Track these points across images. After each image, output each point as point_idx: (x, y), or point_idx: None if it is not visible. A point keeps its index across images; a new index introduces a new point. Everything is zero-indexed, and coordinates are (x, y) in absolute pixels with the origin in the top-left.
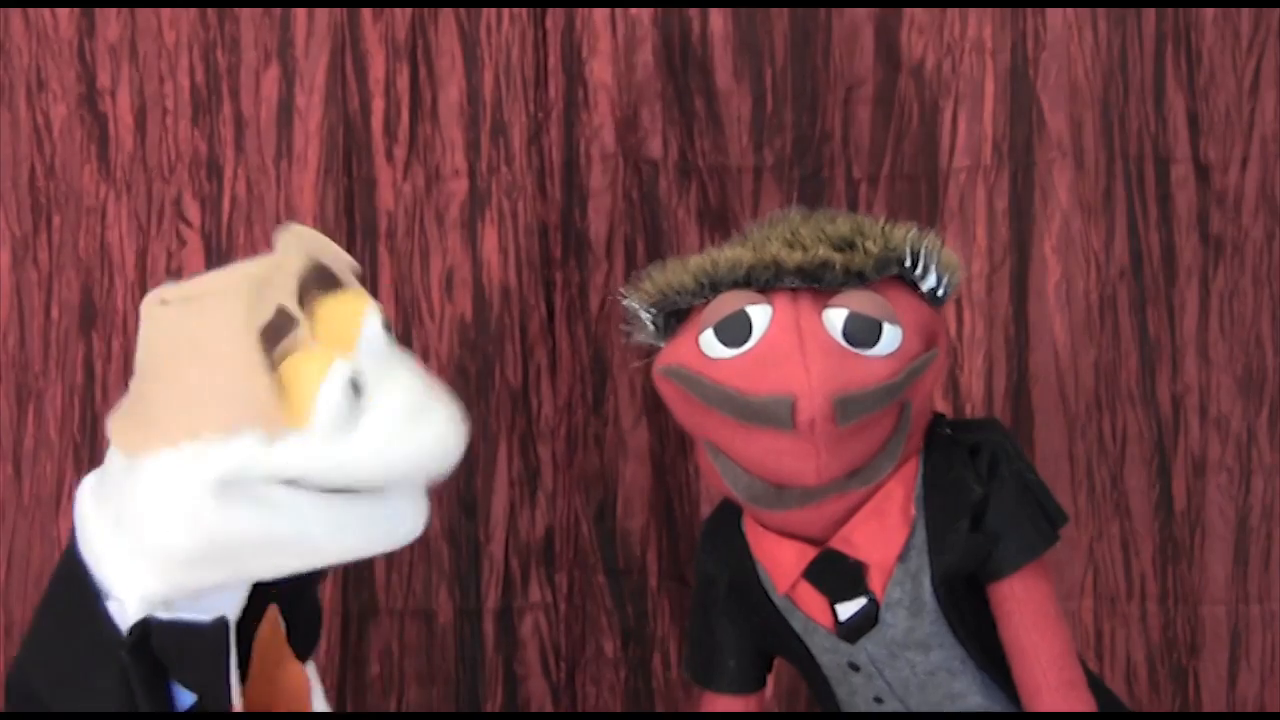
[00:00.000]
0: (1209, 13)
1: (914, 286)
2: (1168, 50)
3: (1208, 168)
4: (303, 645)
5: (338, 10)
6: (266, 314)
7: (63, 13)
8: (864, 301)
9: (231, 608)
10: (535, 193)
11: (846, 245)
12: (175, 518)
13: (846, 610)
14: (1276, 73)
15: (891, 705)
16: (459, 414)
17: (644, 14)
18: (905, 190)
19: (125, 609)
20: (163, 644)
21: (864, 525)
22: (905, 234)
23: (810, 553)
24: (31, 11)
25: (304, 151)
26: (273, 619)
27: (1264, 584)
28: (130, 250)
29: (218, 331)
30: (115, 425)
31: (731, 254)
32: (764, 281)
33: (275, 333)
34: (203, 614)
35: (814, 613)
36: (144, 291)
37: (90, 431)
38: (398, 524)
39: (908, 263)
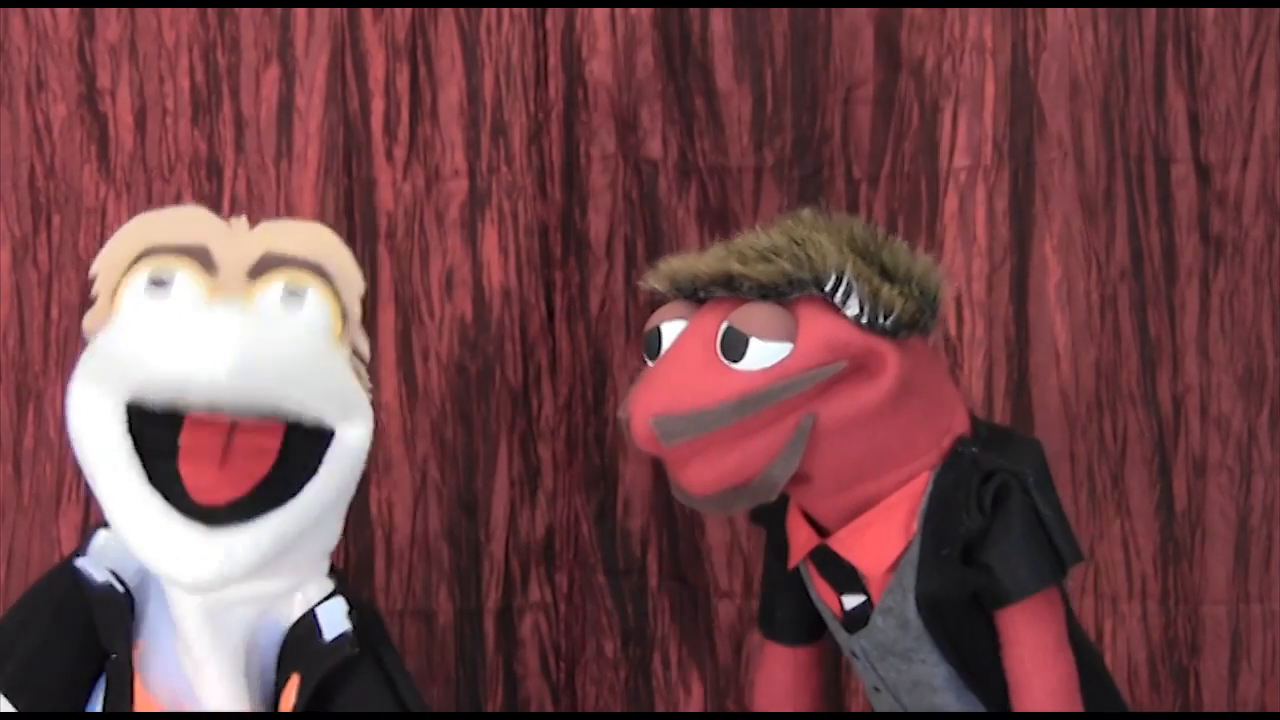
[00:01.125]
0: (1209, 13)
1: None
2: (1168, 50)
3: (1208, 167)
4: None
5: (338, 10)
6: (177, 238)
7: (63, 13)
8: (751, 315)
9: (176, 609)
10: (535, 193)
11: (775, 256)
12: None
13: (850, 602)
14: (1277, 72)
15: (886, 696)
16: (236, 361)
17: (644, 14)
18: (905, 190)
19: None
20: (83, 593)
21: (862, 531)
22: (837, 259)
23: (815, 540)
24: (31, 11)
25: (304, 151)
26: (291, 687)
27: (1265, 584)
28: None
29: (126, 228)
30: None
31: (681, 261)
32: (693, 291)
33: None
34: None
35: (823, 594)
36: None
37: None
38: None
39: (827, 287)
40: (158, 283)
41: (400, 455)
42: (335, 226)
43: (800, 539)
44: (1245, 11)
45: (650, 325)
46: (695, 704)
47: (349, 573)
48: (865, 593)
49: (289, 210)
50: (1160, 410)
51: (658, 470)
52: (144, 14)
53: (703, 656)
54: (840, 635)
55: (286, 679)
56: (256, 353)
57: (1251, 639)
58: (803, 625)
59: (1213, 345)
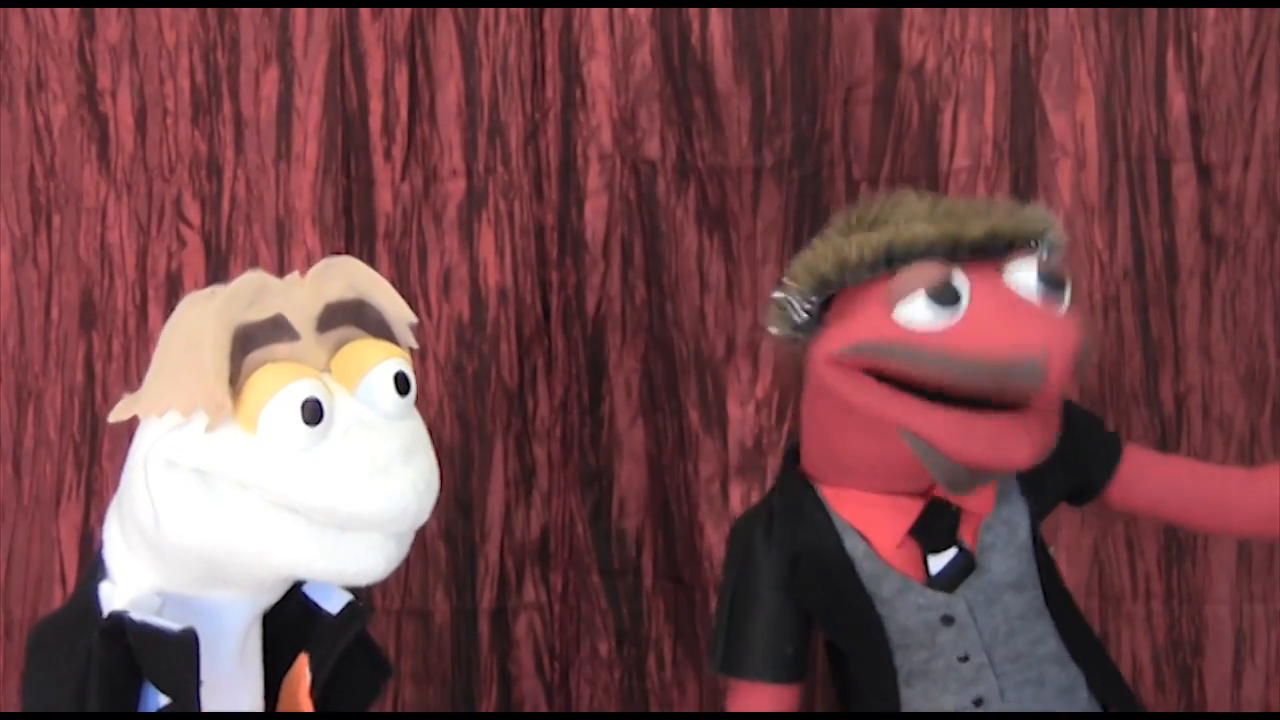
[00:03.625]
0: (1210, 13)
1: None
2: (1169, 50)
3: (1209, 168)
4: (348, 704)
5: (336, 11)
6: (255, 315)
7: (63, 13)
8: (1055, 263)
9: (231, 619)
10: (532, 193)
11: (998, 215)
12: (138, 490)
13: (937, 563)
14: (1277, 73)
15: (976, 660)
16: (429, 483)
17: (642, 14)
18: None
19: (115, 592)
20: (136, 644)
21: None
22: (1045, 217)
23: (911, 507)
24: (31, 11)
25: (303, 151)
26: (300, 668)
27: (1268, 584)
28: (130, 250)
29: (203, 319)
30: (121, 401)
31: (903, 231)
32: (943, 254)
33: (260, 335)
34: (177, 623)
35: (910, 569)
36: (144, 292)
37: (90, 431)
38: (350, 561)
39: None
40: (313, 419)
41: None
42: (334, 226)
43: (891, 519)
44: (1246, 12)
45: (938, 276)
46: (690, 704)
47: None
48: (958, 543)
49: (288, 210)
50: (1163, 410)
51: (654, 471)
52: (144, 14)
53: (698, 657)
54: (919, 617)
55: (288, 662)
56: (433, 469)
57: (1255, 639)
58: (805, 657)
59: (1215, 345)
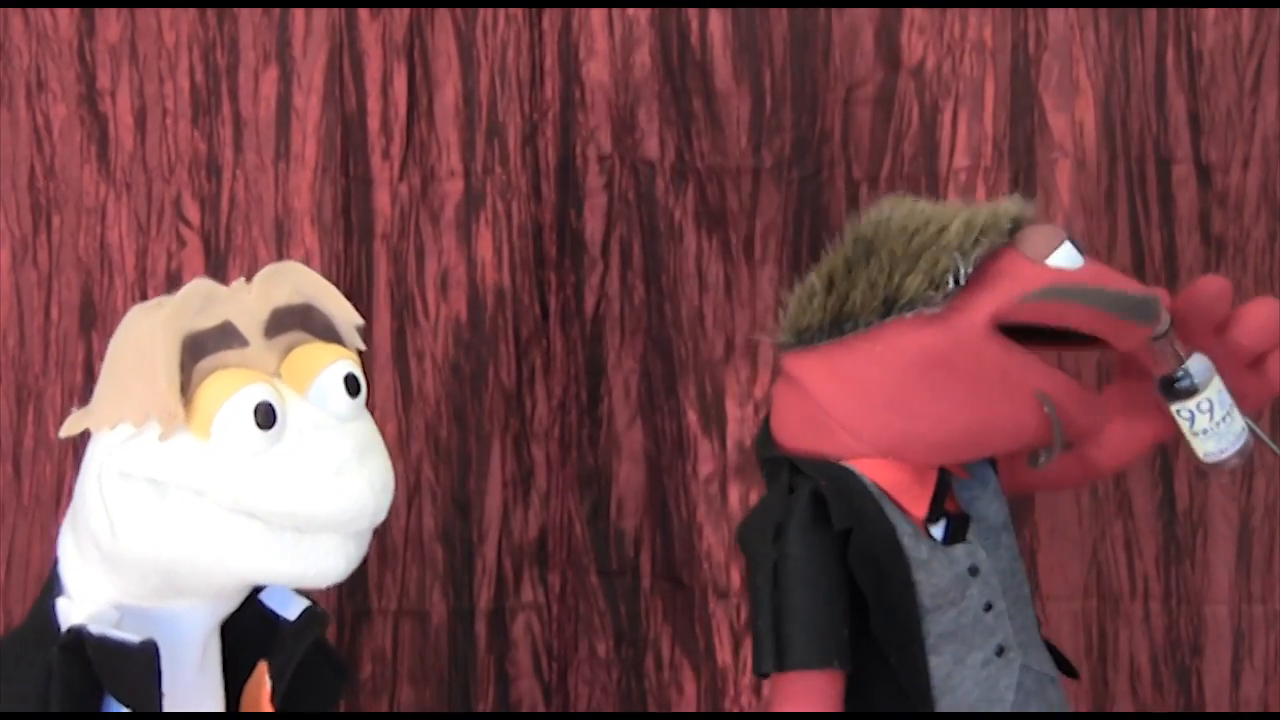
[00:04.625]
0: (1210, 13)
1: None
2: (1169, 51)
3: (1209, 168)
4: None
5: (335, 11)
6: (204, 322)
7: (63, 13)
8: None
9: (189, 628)
10: (530, 193)
11: None
12: (93, 503)
13: (937, 531)
14: (1277, 73)
15: (998, 606)
16: (385, 481)
17: (641, 14)
18: (905, 190)
19: (72, 607)
20: (95, 657)
21: None
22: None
23: (930, 476)
24: (31, 11)
25: (302, 151)
26: (260, 676)
27: (1267, 584)
28: (130, 250)
29: (152, 329)
30: (71, 416)
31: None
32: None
33: (209, 342)
34: (136, 635)
35: (922, 527)
36: (144, 292)
37: (89, 432)
38: (311, 563)
39: None
40: (266, 423)
41: (394, 455)
42: (332, 226)
43: (918, 487)
44: (1245, 12)
45: (1061, 231)
46: (688, 704)
47: None
48: (945, 515)
49: (287, 210)
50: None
51: (652, 471)
52: (144, 14)
53: (696, 657)
54: (951, 573)
55: (247, 670)
56: (388, 468)
57: (1254, 639)
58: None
59: None
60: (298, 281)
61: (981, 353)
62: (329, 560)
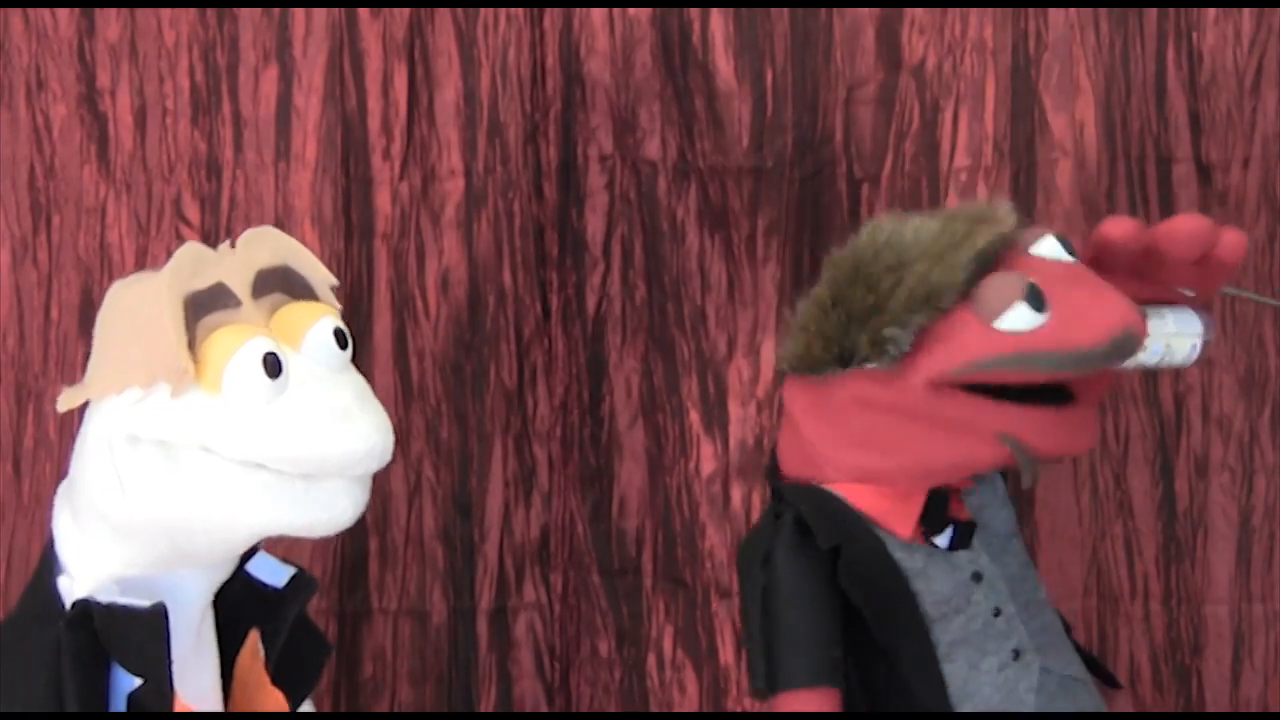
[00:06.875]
0: (1210, 12)
1: None
2: (1169, 50)
3: (1209, 167)
4: (292, 685)
5: (336, 10)
6: (199, 284)
7: (63, 13)
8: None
9: (188, 597)
10: (531, 193)
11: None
12: (98, 471)
13: (942, 541)
14: (1277, 73)
15: (1007, 611)
16: (387, 425)
17: (642, 14)
18: (906, 190)
19: (73, 584)
20: (103, 626)
21: None
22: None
23: (917, 496)
24: (31, 11)
25: (302, 151)
26: (253, 644)
27: (1267, 584)
28: (130, 250)
29: (147, 295)
30: (65, 392)
31: (965, 245)
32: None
33: (208, 302)
34: (143, 600)
35: (917, 540)
36: None
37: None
38: (323, 507)
39: None
40: (273, 372)
41: (395, 454)
42: (333, 226)
43: (903, 508)
44: (1246, 11)
45: (1020, 282)
46: (690, 704)
47: (343, 572)
48: (951, 522)
49: (287, 209)
50: (1162, 410)
51: (654, 471)
52: (144, 14)
53: (698, 656)
54: (952, 580)
55: (239, 641)
56: (385, 414)
57: (1254, 639)
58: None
59: (1214, 345)
60: (275, 245)
61: (932, 408)
62: (339, 504)
